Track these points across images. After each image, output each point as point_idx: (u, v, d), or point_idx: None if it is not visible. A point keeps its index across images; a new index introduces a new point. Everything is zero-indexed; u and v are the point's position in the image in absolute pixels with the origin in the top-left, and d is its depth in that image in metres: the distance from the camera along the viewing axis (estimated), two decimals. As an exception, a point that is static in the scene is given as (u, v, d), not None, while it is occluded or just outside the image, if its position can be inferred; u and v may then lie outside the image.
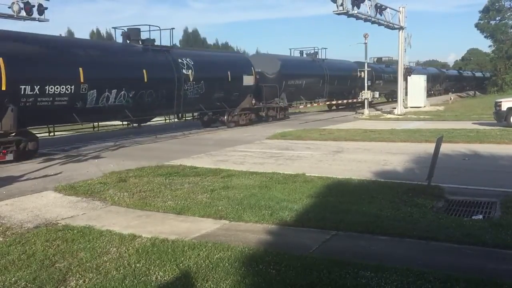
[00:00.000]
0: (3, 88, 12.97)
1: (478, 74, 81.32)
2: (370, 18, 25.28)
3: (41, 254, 5.56)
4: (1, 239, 6.25)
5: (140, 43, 19.14)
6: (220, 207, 7.49)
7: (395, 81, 31.71)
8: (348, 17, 23.70)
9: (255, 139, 17.49)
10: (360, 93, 30.87)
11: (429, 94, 47.01)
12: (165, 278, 4.79)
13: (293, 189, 8.59)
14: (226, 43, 63.19)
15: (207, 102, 21.64)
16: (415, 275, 4.62)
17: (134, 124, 19.34)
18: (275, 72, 26.71)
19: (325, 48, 32.78)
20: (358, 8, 23.60)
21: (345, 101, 33.53)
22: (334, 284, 4.50)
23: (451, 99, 44.29)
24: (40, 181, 10.34)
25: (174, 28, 22.17)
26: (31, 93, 13.71)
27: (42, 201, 8.48)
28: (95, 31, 54.90)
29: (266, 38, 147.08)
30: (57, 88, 14.41)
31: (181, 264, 5.09)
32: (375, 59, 43.69)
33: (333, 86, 32.94)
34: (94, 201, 8.31)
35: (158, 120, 22.91)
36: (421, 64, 65.17)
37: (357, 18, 24.38)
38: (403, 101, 30.65)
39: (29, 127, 14.73)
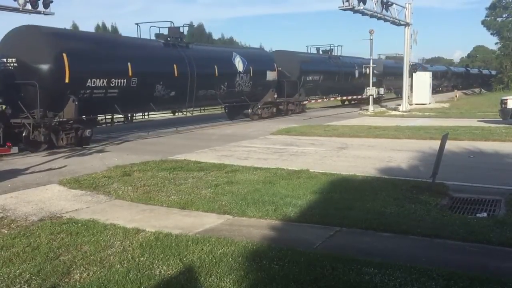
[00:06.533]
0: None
1: (485, 72, 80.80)
2: (376, 14, 25.15)
3: (45, 247, 5.59)
4: (6, 231, 6.28)
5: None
6: (224, 202, 7.49)
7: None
8: (354, 12, 23.60)
9: (259, 135, 17.47)
10: (365, 89, 30.81)
11: (435, 91, 46.80)
12: (169, 272, 4.80)
13: (297, 185, 8.58)
14: (231, 38, 62.93)
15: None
16: (418, 272, 4.61)
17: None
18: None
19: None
20: (364, 4, 23.47)
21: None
22: (337, 280, 4.50)
23: (456, 96, 44.00)
24: (45, 174, 10.38)
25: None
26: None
27: (46, 194, 8.52)
28: (100, 25, 54.83)
29: (271, 33, 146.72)
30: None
31: (184, 259, 5.11)
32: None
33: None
34: (99, 195, 8.34)
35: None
36: (427, 61, 64.78)
37: (363, 14, 24.25)
38: (408, 97, 30.49)
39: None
